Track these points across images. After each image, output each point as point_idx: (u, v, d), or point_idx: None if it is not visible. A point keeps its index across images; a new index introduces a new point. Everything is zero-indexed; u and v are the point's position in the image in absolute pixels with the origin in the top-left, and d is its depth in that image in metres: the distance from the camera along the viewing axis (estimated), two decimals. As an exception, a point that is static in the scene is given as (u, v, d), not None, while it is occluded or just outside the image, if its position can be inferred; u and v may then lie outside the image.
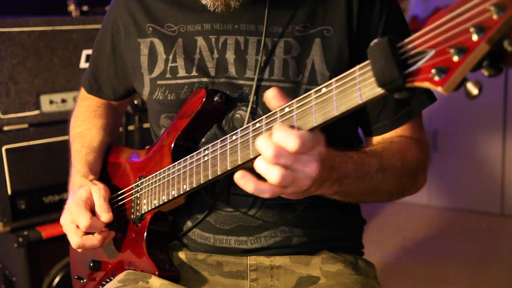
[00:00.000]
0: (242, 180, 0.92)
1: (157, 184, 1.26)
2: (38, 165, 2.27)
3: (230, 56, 1.26)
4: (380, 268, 1.76)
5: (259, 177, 0.92)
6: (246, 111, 1.22)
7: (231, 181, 1.24)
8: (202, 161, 1.11)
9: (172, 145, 1.26)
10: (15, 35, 2.19)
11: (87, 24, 2.38)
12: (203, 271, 1.31)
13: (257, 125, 0.98)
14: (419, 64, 0.77)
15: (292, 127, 0.91)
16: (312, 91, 0.90)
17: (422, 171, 1.26)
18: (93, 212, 1.31)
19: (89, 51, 1.65)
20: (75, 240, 1.29)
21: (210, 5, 1.23)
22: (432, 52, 0.76)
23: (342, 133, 1.27)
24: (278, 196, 0.96)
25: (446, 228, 3.73)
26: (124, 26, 1.40)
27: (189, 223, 1.32)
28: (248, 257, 1.28)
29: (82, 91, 1.62)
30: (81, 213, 1.28)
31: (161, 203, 1.24)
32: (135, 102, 2.26)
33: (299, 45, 1.23)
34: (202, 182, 1.11)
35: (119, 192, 1.40)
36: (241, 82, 1.25)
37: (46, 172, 2.29)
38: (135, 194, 1.34)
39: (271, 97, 0.96)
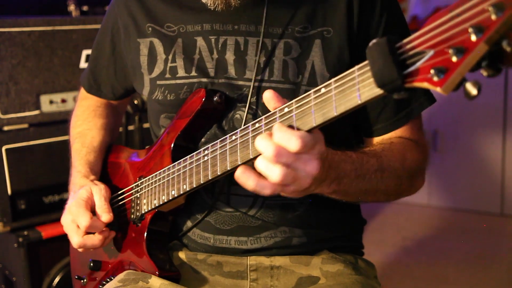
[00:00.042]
0: (244, 176, 0.92)
1: (157, 184, 1.26)
2: (38, 165, 2.27)
3: (229, 56, 1.26)
4: (380, 268, 1.76)
5: (260, 176, 0.92)
6: (245, 112, 1.22)
7: (231, 181, 1.25)
8: (202, 161, 1.11)
9: (172, 145, 1.26)
10: (15, 35, 2.19)
11: (87, 24, 2.38)
12: (203, 271, 1.31)
13: (257, 125, 0.98)
14: (418, 64, 0.77)
15: (292, 127, 0.91)
16: (311, 91, 0.90)
17: (420, 172, 1.26)
18: (93, 212, 1.32)
19: (89, 51, 1.65)
20: (76, 240, 1.30)
21: (210, 4, 1.22)
22: (431, 53, 0.76)
23: (341, 134, 1.27)
24: (278, 195, 0.96)
25: (446, 228, 3.73)
26: (124, 26, 1.40)
27: (189, 223, 1.33)
28: (248, 257, 1.28)
29: (82, 90, 1.62)
30: (81, 213, 1.28)
31: (161, 203, 1.25)
32: (135, 102, 2.26)
33: (299, 46, 1.23)
34: (202, 182, 1.11)
35: (119, 192, 1.40)
36: (240, 83, 1.25)
37: (46, 172, 2.28)
38: (135, 194, 1.34)
39: (268, 99, 0.96)
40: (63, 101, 2.33)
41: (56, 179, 2.29)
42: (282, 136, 0.89)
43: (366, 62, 0.82)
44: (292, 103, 0.93)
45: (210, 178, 1.09)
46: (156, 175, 1.27)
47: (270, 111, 0.97)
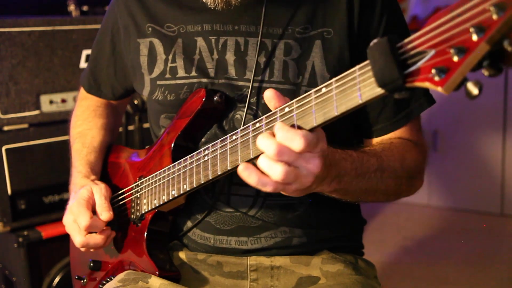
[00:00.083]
0: (246, 172, 0.92)
1: (157, 184, 1.26)
2: (38, 165, 2.27)
3: (230, 57, 1.25)
4: (380, 268, 1.76)
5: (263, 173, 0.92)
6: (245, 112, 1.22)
7: (231, 181, 1.25)
8: (202, 161, 1.11)
9: (172, 145, 1.26)
10: (15, 35, 2.19)
11: (87, 24, 2.38)
12: (203, 271, 1.31)
13: (257, 125, 0.98)
14: (419, 64, 0.77)
15: (293, 126, 0.91)
16: (312, 91, 0.90)
17: (419, 173, 1.27)
18: (94, 211, 1.32)
19: (89, 51, 1.65)
20: (78, 239, 1.30)
21: (211, 3, 1.22)
22: (432, 52, 0.76)
23: (342, 133, 1.27)
24: (278, 195, 0.96)
25: (446, 228, 3.73)
26: (124, 26, 1.40)
27: (189, 223, 1.32)
28: (248, 257, 1.28)
29: (82, 90, 1.62)
30: (81, 213, 1.28)
31: (161, 203, 1.24)
32: (135, 102, 2.25)
33: (299, 46, 1.23)
34: (202, 182, 1.11)
35: (119, 192, 1.40)
36: (240, 83, 1.24)
37: (46, 172, 2.28)
38: (135, 194, 1.34)
39: (269, 98, 0.96)
40: (63, 101, 2.33)
41: (56, 179, 2.29)
42: (285, 136, 0.89)
43: (367, 62, 0.82)
44: (292, 102, 0.93)
45: (210, 178, 1.09)
46: (156, 175, 1.27)
47: (271, 111, 0.97)
